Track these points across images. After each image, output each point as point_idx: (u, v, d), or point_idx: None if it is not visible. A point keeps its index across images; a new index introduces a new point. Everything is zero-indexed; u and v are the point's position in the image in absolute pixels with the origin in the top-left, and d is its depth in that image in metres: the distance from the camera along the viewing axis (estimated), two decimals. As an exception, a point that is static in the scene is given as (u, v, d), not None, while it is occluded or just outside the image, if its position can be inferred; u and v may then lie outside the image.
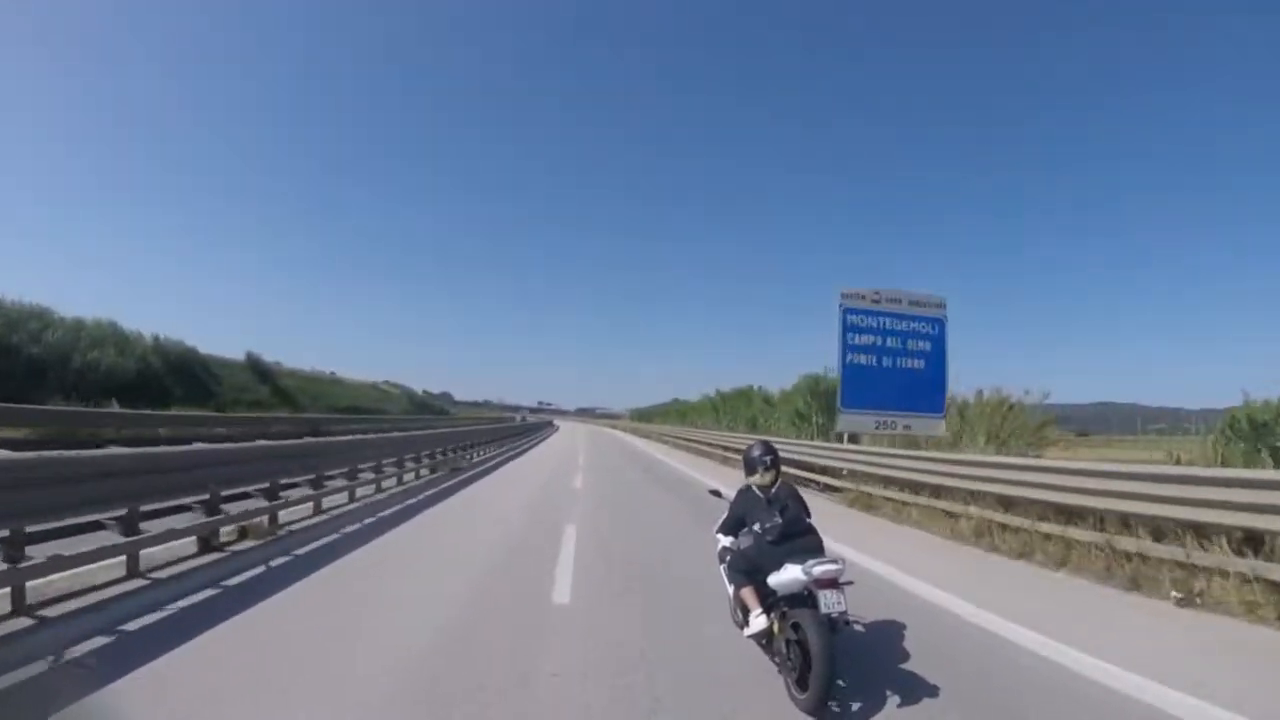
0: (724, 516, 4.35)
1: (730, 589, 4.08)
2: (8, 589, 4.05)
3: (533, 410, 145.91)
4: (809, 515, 3.96)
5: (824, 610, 3.32)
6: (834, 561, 3.45)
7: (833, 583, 3.40)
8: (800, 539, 3.72)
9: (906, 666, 3.87)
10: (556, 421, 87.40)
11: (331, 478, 9.27)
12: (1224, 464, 6.81)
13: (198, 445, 6.75)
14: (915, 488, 9.44)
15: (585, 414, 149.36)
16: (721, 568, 4.35)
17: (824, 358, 16.53)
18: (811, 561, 3.42)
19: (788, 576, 3.48)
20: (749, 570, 3.78)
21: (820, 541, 3.81)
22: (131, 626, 4.18)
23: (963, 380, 13.56)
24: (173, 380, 25.81)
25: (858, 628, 4.32)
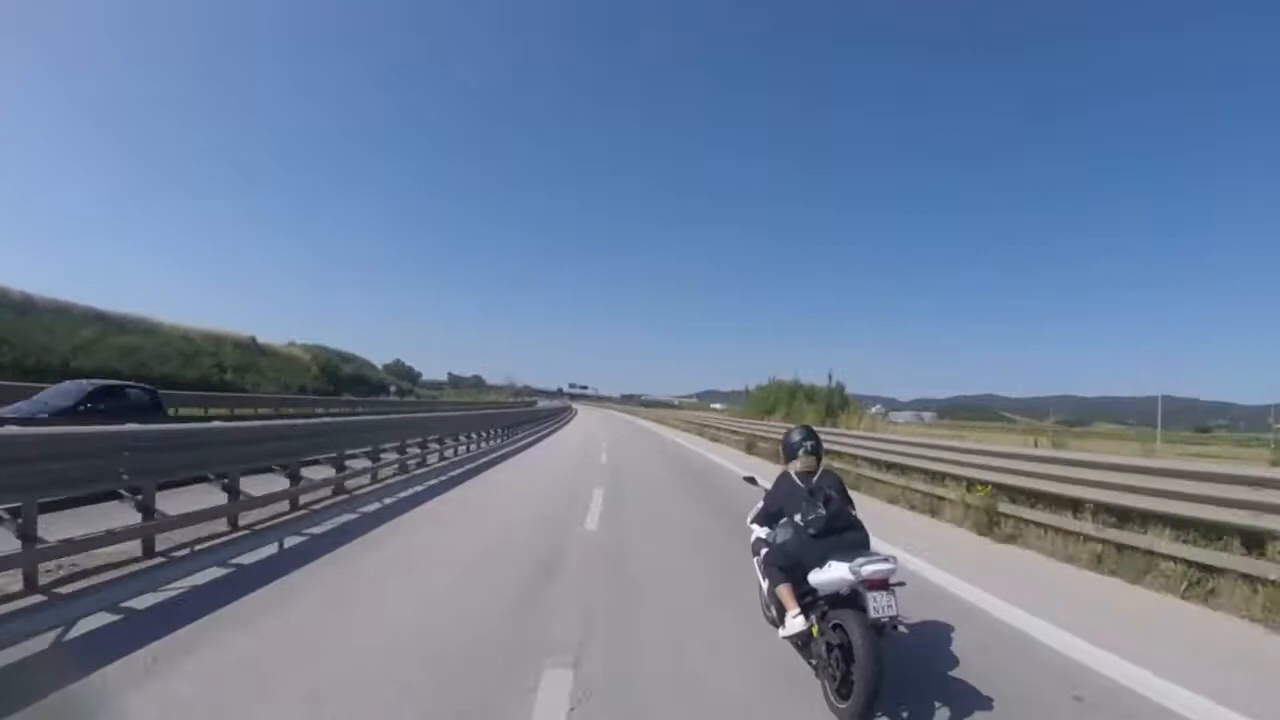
0: (759, 506, 4.05)
1: (764, 584, 3.79)
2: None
3: (557, 394, 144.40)
4: (853, 507, 3.63)
5: (873, 614, 3.00)
6: (885, 560, 3.11)
7: (883, 584, 3.07)
8: (845, 533, 3.41)
9: (956, 674, 3.55)
10: (579, 407, 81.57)
11: None
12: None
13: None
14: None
15: (631, 400, 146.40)
16: (755, 560, 4.05)
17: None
18: (860, 560, 3.08)
19: (833, 575, 3.16)
20: (787, 566, 3.49)
21: (867, 537, 3.48)
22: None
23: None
24: None
25: (902, 630, 3.99)
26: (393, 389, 56.35)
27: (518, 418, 27.73)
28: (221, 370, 34.08)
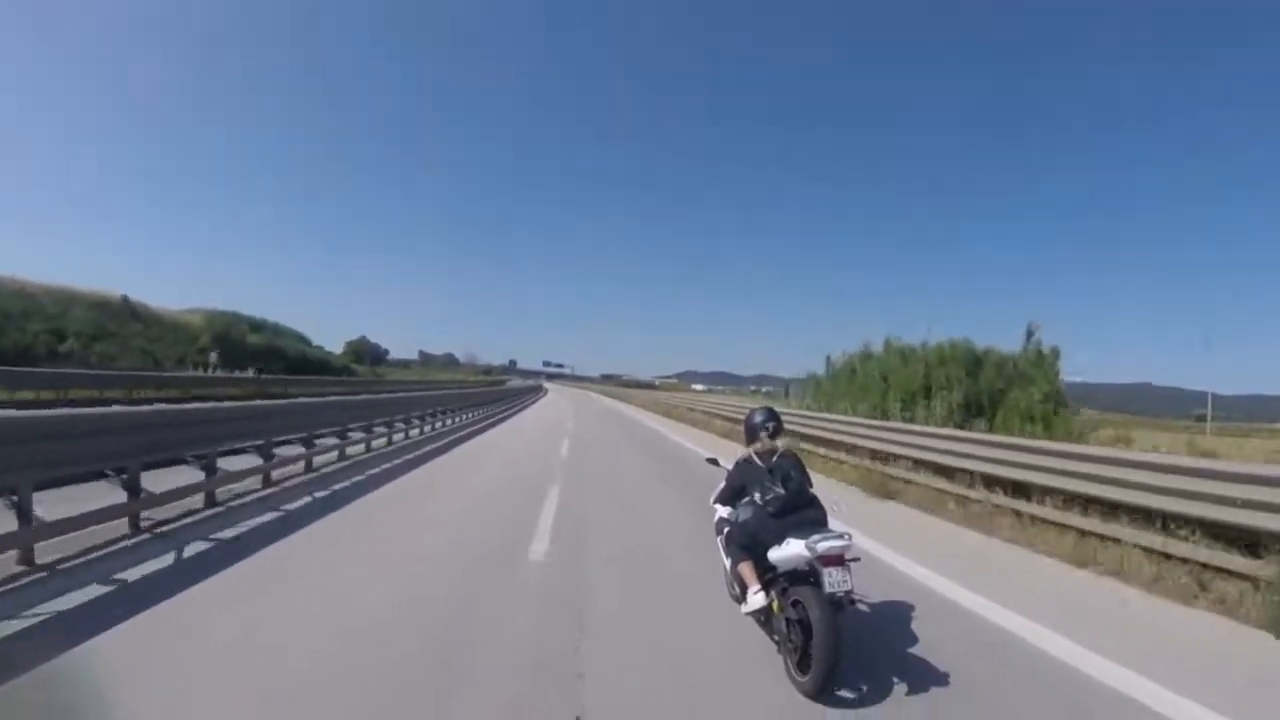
0: (721, 486, 4.07)
1: (727, 562, 3.83)
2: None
3: (532, 373, 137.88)
4: (811, 486, 3.67)
5: (828, 589, 3.04)
6: (840, 537, 3.16)
7: (839, 559, 3.12)
8: (803, 511, 3.45)
9: (914, 651, 3.60)
10: (552, 388, 75.67)
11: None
12: None
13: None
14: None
15: (611, 380, 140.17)
16: (718, 540, 4.08)
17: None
18: (816, 536, 3.14)
19: (790, 552, 3.21)
20: (748, 544, 3.52)
21: (825, 514, 3.53)
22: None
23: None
24: None
25: (862, 607, 4.05)
26: (209, 358, 33.42)
27: (457, 400, 21.05)
28: (58, 338, 27.65)
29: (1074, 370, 10.71)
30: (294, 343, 54.49)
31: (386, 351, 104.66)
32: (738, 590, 3.69)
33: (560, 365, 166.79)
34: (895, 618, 4.10)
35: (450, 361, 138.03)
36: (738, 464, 3.90)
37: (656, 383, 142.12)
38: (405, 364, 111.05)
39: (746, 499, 3.71)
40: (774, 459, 3.69)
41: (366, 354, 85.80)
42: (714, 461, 4.71)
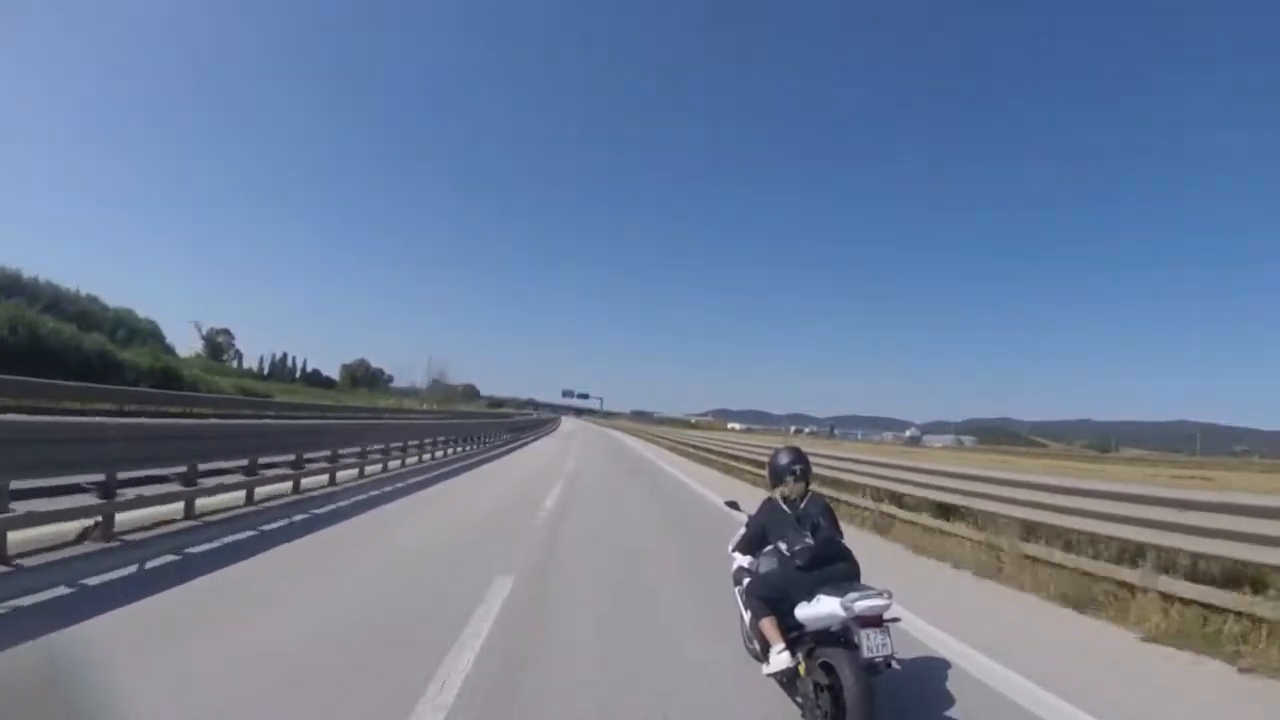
0: (741, 532, 3.84)
1: (746, 615, 3.57)
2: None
3: (553, 407, 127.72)
4: (842, 535, 3.42)
5: (867, 655, 2.78)
6: (879, 595, 2.89)
7: (877, 620, 2.85)
8: (835, 564, 3.20)
9: (952, 714, 3.30)
10: (572, 425, 67.91)
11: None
12: None
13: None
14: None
15: (643, 417, 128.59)
16: (736, 590, 3.84)
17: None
18: (853, 595, 2.85)
19: (822, 610, 2.95)
20: (771, 598, 3.27)
21: (858, 568, 3.29)
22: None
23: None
24: None
25: (896, 668, 3.75)
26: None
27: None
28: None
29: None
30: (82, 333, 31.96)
31: (390, 378, 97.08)
32: (757, 647, 3.44)
33: (584, 395, 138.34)
34: (929, 679, 3.79)
35: (471, 393, 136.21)
36: (761, 508, 3.68)
37: (693, 420, 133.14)
38: (412, 392, 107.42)
39: (770, 547, 3.48)
40: (801, 504, 3.47)
41: (364, 378, 79.08)
42: (734, 505, 4.45)
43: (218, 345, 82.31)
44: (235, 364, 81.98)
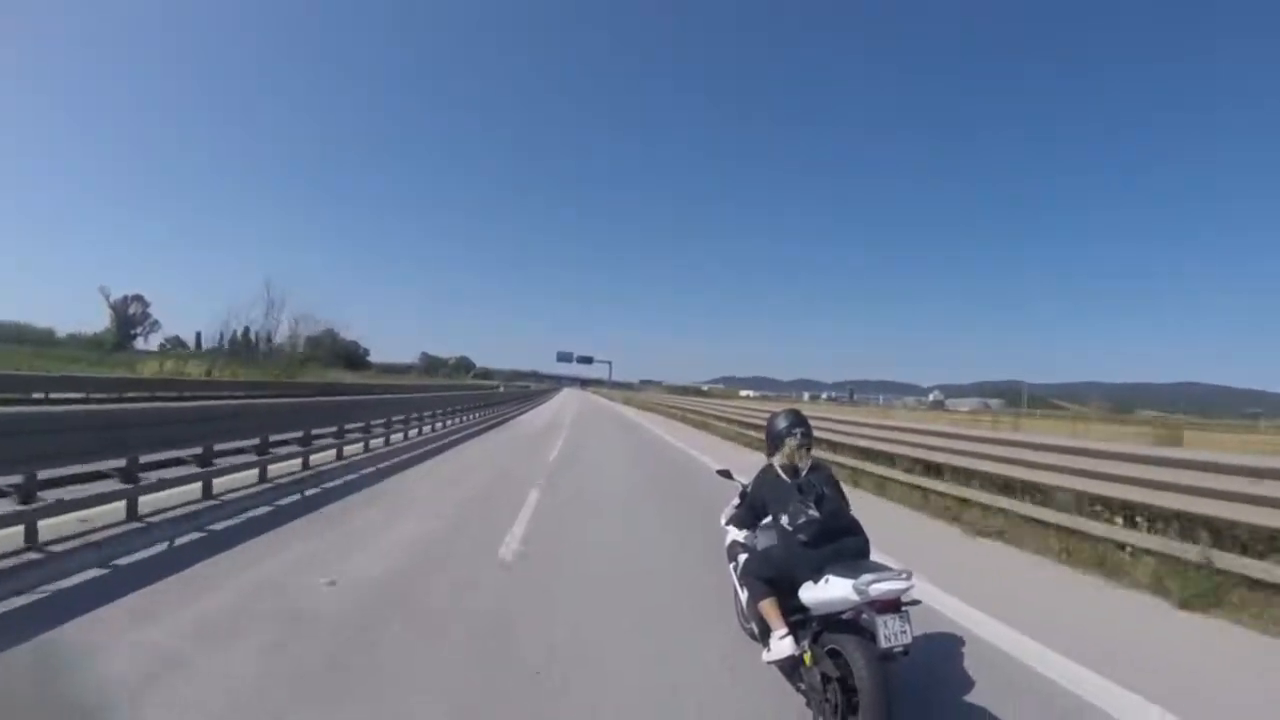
0: (735, 503, 3.47)
1: (743, 595, 3.21)
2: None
3: (556, 379, 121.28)
4: (848, 505, 3.04)
5: (884, 644, 2.43)
6: (899, 576, 2.52)
7: (895, 605, 2.49)
8: (843, 540, 2.83)
9: (971, 699, 2.98)
10: (568, 395, 60.83)
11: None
12: None
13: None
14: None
15: (651, 385, 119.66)
16: (730, 567, 3.48)
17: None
18: (868, 576, 2.48)
19: (833, 594, 2.58)
20: (772, 577, 2.91)
21: (867, 543, 2.91)
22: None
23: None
24: None
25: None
26: None
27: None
28: None
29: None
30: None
31: (366, 352, 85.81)
32: (755, 629, 3.10)
33: (587, 359, 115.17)
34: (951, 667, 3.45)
35: (462, 365, 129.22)
36: (759, 477, 3.29)
37: (705, 388, 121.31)
38: (399, 369, 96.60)
39: (768, 520, 3.11)
40: (803, 473, 3.08)
41: (340, 355, 67.18)
42: (726, 474, 4.03)
43: (129, 318, 70.25)
44: (152, 340, 67.47)
